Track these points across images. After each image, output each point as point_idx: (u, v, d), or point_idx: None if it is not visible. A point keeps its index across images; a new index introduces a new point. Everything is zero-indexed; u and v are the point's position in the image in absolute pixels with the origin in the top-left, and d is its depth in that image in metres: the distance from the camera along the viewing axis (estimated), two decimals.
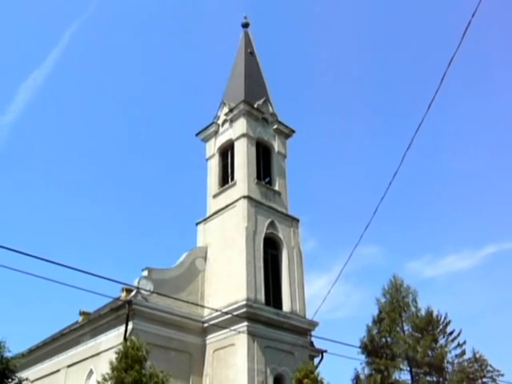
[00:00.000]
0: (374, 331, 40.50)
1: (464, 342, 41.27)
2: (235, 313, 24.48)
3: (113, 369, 17.88)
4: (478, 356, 41.14)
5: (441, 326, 41.81)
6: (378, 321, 40.87)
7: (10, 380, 19.16)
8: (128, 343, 18.79)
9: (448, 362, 41.01)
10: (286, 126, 33.44)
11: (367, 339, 40.16)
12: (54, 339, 29.60)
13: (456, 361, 41.13)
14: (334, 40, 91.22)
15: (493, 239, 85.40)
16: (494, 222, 76.93)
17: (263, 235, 28.07)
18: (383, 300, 42.36)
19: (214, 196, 30.77)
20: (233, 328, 24.70)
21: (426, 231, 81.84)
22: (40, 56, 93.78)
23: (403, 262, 79.00)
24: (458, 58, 11.31)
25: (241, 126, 30.92)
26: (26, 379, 21.40)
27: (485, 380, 41.09)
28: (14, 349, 20.09)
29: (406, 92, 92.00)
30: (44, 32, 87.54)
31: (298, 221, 30.66)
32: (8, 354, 19.37)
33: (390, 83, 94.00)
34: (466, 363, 41.05)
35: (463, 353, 41.29)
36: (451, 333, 41.56)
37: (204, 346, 26.39)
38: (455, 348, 41.32)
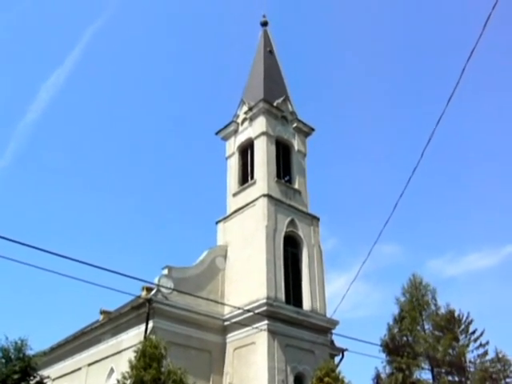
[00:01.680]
0: (395, 330, 40.13)
1: (487, 342, 40.71)
2: (256, 311, 24.45)
3: (132, 367, 18.03)
4: (500, 356, 40.55)
5: (463, 326, 41.29)
6: (398, 319, 40.51)
7: (31, 378, 19.35)
8: (146, 342, 18.89)
9: (470, 362, 40.52)
10: (306, 125, 33.31)
11: (388, 338, 39.75)
12: (75, 338, 29.84)
13: (478, 360, 40.62)
14: (355, 37, 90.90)
15: None
16: None
17: (283, 233, 28.01)
18: (403, 299, 42.05)
19: (234, 194, 30.76)
20: (253, 326, 24.68)
21: (447, 229, 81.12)
22: (60, 56, 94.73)
23: (424, 261, 78.37)
24: (478, 51, 11.12)
25: (260, 124, 30.86)
26: (48, 377, 21.66)
27: (508, 380, 40.39)
28: (35, 347, 20.36)
29: (425, 89, 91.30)
30: (63, 32, 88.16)
31: (318, 219, 30.54)
32: (30, 352, 19.63)
33: (410, 80, 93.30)
34: (488, 363, 40.50)
35: (486, 353, 40.76)
36: (473, 332, 41.03)
37: (224, 345, 26.41)
38: (477, 348, 40.80)
